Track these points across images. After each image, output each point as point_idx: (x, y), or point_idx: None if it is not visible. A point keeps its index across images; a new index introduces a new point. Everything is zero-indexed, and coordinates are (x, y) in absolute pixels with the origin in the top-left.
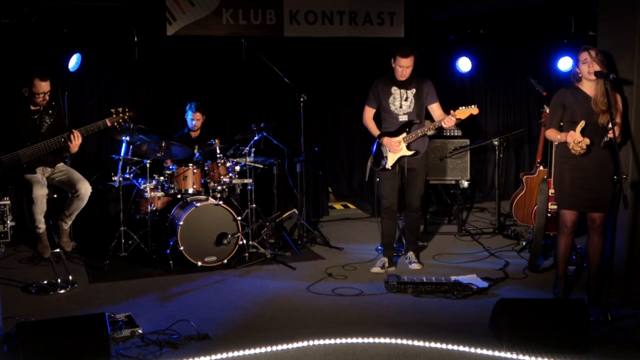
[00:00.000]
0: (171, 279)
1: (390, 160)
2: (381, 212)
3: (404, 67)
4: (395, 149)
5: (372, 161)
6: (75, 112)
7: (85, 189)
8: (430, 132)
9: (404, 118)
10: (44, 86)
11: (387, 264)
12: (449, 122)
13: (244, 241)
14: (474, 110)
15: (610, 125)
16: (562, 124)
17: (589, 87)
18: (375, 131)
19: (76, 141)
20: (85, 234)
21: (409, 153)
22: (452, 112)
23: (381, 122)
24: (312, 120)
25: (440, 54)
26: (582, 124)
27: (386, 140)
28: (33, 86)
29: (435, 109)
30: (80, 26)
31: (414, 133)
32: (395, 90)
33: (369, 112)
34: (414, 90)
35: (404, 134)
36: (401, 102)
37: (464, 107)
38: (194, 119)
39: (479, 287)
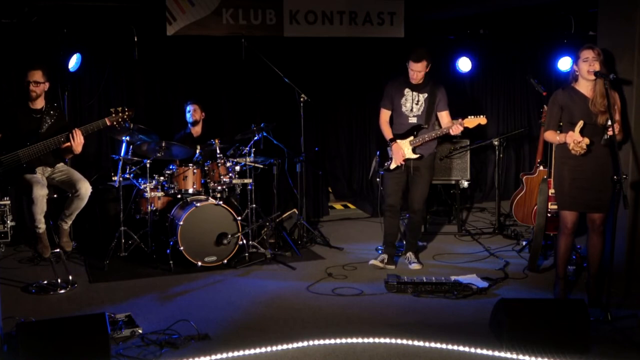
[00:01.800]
0: (171, 279)
1: (395, 161)
2: (384, 210)
3: (415, 71)
4: (398, 159)
5: (376, 163)
6: (75, 112)
7: (86, 188)
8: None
9: (413, 120)
10: (32, 75)
11: (386, 260)
12: (456, 130)
13: (244, 241)
14: (482, 120)
15: (609, 123)
16: (560, 124)
17: (585, 87)
18: (388, 135)
19: (78, 139)
20: (85, 234)
21: (414, 157)
22: (460, 120)
23: (392, 124)
24: (312, 120)
25: (440, 54)
26: (580, 124)
27: (395, 147)
28: (25, 77)
29: (444, 117)
30: (80, 26)
31: (421, 137)
32: (408, 92)
33: (384, 115)
34: (426, 95)
35: (411, 138)
36: (412, 105)
37: (472, 117)
38: (190, 110)
39: (479, 287)
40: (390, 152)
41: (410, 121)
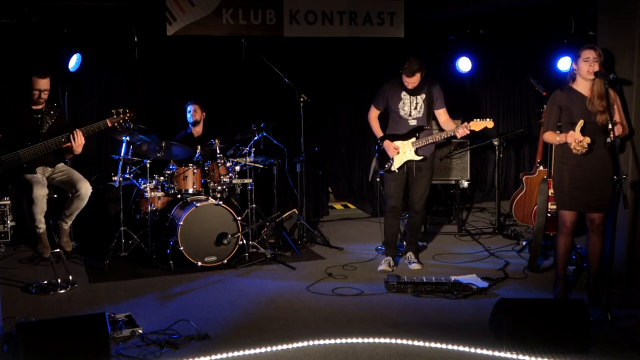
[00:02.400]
0: (171, 279)
1: (397, 163)
2: (385, 211)
3: (409, 82)
4: (393, 153)
5: (376, 163)
6: (75, 112)
7: (86, 188)
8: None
9: (413, 123)
10: (43, 83)
11: (392, 262)
12: (462, 132)
13: (244, 241)
14: (489, 123)
15: (610, 127)
16: (560, 124)
17: (584, 86)
18: (378, 132)
19: (79, 140)
20: (85, 234)
21: (418, 158)
22: (466, 123)
23: (388, 123)
24: (312, 120)
25: (441, 54)
26: (580, 123)
27: (386, 143)
28: (31, 83)
29: (441, 114)
30: (80, 26)
31: (424, 139)
32: (405, 95)
33: (373, 112)
34: (423, 96)
35: (414, 139)
36: (410, 110)
37: (478, 120)
38: (191, 110)
39: (479, 287)
40: (390, 154)
41: (410, 124)
